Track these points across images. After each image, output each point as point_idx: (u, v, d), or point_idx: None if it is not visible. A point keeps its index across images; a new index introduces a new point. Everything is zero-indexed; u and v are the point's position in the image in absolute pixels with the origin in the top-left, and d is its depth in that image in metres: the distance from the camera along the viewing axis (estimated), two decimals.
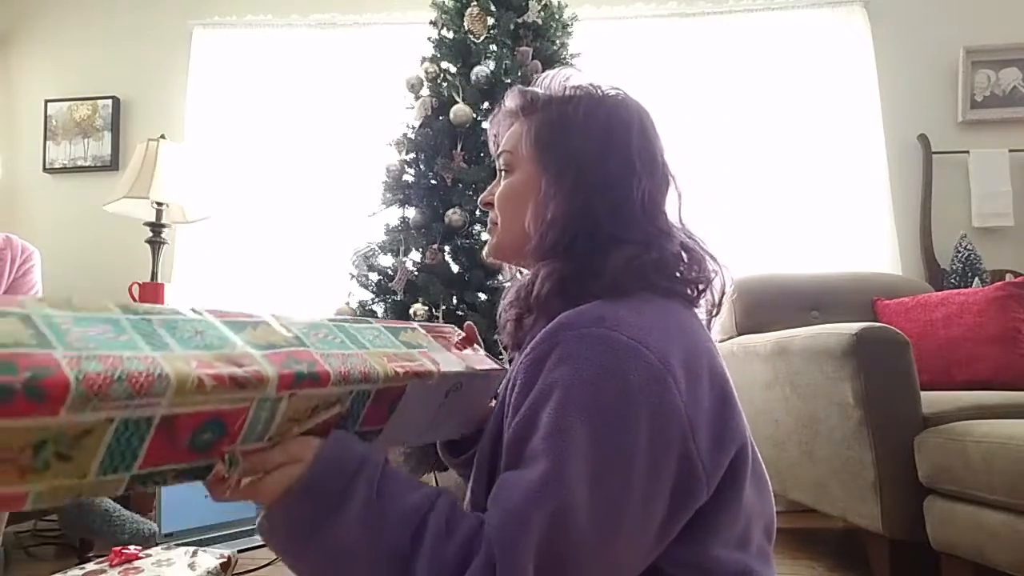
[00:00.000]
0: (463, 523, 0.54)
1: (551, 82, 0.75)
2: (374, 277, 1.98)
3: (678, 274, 0.66)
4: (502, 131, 0.78)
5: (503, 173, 0.75)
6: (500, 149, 0.76)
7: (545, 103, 0.73)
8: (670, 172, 0.72)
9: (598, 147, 0.68)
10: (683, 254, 0.67)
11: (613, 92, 0.73)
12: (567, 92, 0.73)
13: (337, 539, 0.52)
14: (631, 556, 0.55)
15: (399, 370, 0.59)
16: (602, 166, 0.67)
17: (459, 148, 1.91)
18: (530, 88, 0.75)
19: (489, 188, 0.78)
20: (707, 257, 0.69)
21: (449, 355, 0.69)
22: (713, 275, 0.68)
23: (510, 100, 0.77)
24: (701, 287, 0.68)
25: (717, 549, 0.60)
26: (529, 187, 0.70)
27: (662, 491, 0.54)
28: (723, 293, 0.69)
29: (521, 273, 0.81)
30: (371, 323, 0.67)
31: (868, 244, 2.57)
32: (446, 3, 2.09)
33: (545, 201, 0.68)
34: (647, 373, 0.54)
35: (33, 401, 0.38)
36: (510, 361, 0.79)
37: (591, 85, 0.73)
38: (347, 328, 0.62)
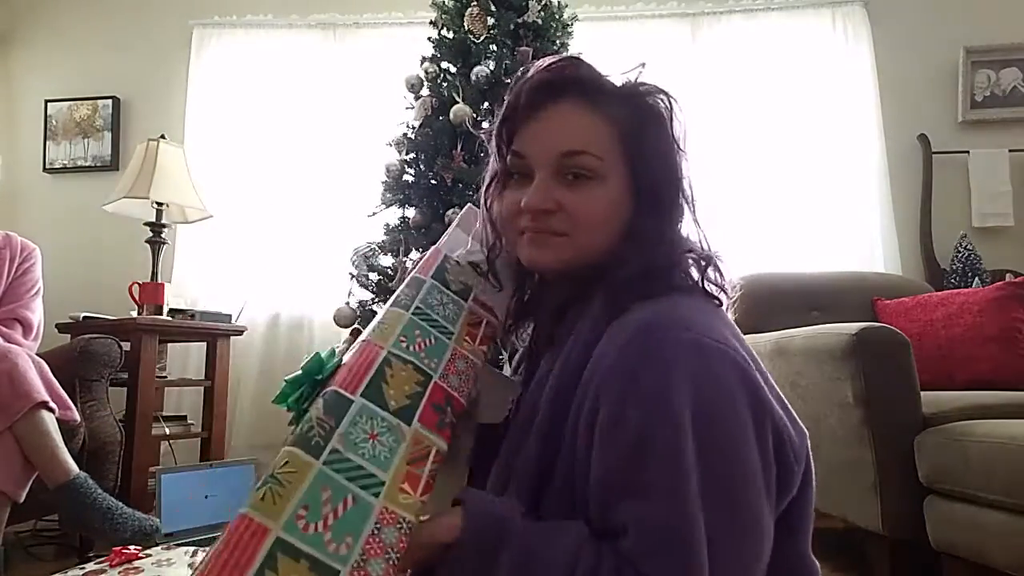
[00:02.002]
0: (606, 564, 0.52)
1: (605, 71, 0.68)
2: (374, 277, 1.99)
3: (715, 278, 0.66)
4: (560, 118, 0.65)
5: (576, 177, 0.63)
6: (575, 148, 0.63)
7: (625, 97, 0.67)
8: None
9: (678, 155, 0.66)
10: (716, 259, 0.67)
11: (661, 87, 0.70)
12: (641, 85, 0.69)
13: None
14: (763, 557, 0.55)
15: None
16: (683, 175, 0.66)
17: (459, 148, 1.91)
18: (598, 72, 0.68)
19: (546, 190, 0.63)
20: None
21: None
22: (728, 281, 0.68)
23: (578, 68, 0.66)
24: (726, 292, 0.67)
25: (802, 547, 0.61)
26: (623, 200, 0.64)
27: (771, 485, 0.55)
28: (731, 299, 0.69)
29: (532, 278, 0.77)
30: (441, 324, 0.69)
31: (868, 244, 2.57)
32: (446, 3, 2.09)
33: (654, 224, 0.64)
34: (740, 374, 0.55)
35: None
36: (512, 356, 0.78)
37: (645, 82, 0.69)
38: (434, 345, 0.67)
